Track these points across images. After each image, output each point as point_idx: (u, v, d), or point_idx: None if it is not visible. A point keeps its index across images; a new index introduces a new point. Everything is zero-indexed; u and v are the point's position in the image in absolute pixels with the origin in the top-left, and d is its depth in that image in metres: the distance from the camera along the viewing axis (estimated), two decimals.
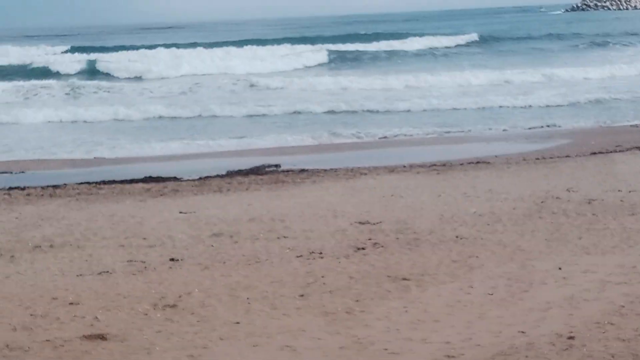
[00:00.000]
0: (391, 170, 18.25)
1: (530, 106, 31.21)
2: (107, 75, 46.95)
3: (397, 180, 17.00)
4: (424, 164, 19.01)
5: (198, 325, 9.01)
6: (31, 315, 9.38)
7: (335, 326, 8.92)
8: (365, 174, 17.83)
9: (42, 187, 16.92)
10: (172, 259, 11.55)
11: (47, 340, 8.57)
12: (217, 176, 18.14)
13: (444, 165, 18.88)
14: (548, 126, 26.21)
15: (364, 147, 22.99)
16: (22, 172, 19.44)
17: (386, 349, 8.20)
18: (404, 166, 18.78)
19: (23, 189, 16.88)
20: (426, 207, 14.34)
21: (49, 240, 12.69)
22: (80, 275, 10.92)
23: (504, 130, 25.83)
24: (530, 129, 25.87)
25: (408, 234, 12.59)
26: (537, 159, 19.41)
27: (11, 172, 19.35)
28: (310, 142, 24.03)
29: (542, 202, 14.45)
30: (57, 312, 9.46)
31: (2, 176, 18.83)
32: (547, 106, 31.25)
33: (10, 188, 16.98)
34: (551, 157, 19.56)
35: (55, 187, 16.97)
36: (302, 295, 9.93)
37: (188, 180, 17.81)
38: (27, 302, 9.83)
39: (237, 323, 9.05)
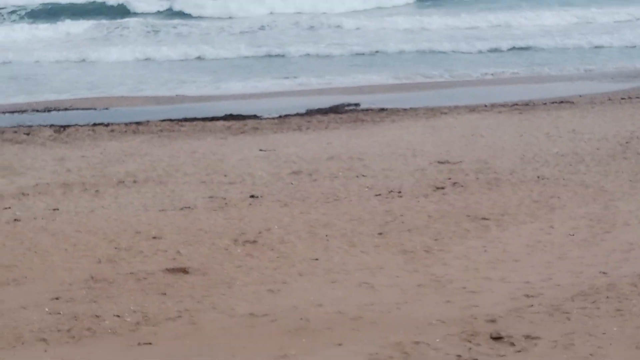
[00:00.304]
0: (472, 109, 18.05)
1: (615, 45, 30.40)
2: (187, 15, 47.12)
3: (478, 119, 16.82)
4: (506, 104, 18.75)
5: (277, 261, 9.12)
6: (115, 248, 9.61)
7: (414, 264, 8.94)
8: (446, 113, 17.68)
9: (126, 124, 17.19)
10: (252, 196, 11.67)
11: (130, 273, 8.77)
12: (297, 114, 18.19)
13: (527, 104, 18.60)
14: (634, 66, 25.54)
15: (444, 86, 22.75)
16: (106, 108, 19.76)
17: (464, 288, 8.20)
18: (485, 105, 18.55)
19: (107, 125, 17.18)
20: (507, 147, 14.18)
21: (133, 175, 12.92)
22: (163, 210, 11.11)
23: (588, 69, 25.25)
24: (615, 68, 25.25)
25: (488, 174, 12.49)
26: (623, 98, 18.97)
27: (95, 109, 19.68)
28: (390, 82, 23.86)
29: (626, 142, 14.16)
30: (140, 245, 9.67)
31: (87, 112, 19.17)
32: (633, 46, 30.40)
33: (95, 124, 17.29)
34: (637, 97, 19.09)
35: (138, 123, 17.23)
36: (380, 234, 9.96)
37: (268, 118, 17.90)
38: (111, 235, 10.06)
39: (316, 259, 9.13)
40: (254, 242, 9.73)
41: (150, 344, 7.10)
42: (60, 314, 7.75)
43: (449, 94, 21.09)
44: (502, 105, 18.50)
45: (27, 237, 10.04)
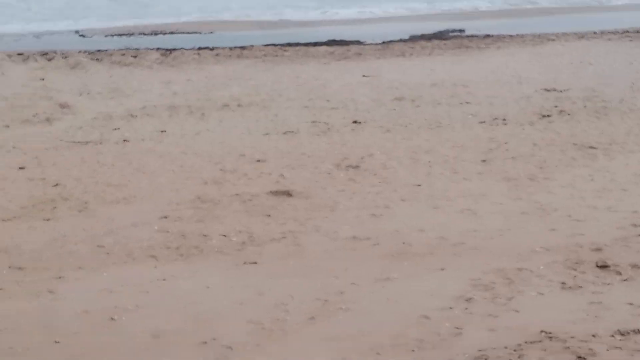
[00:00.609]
0: (581, 36, 17.60)
1: None
2: None
3: (587, 46, 16.40)
4: (616, 31, 18.20)
5: (379, 186, 9.14)
6: (220, 170, 9.77)
7: (517, 192, 8.86)
8: (553, 40, 17.28)
9: (230, 48, 17.32)
10: (354, 122, 11.69)
11: (235, 195, 8.92)
12: (400, 40, 18.03)
13: (638, 32, 18.02)
14: None
15: (552, 12, 22.19)
16: (211, 32, 19.92)
17: (569, 216, 8.10)
18: (595, 32, 18.05)
19: (212, 49, 17.34)
20: (616, 75, 13.81)
21: (237, 99, 13.05)
22: (267, 134, 11.23)
23: None
24: None
25: (596, 102, 12.21)
26: None
27: (200, 33, 19.86)
28: (496, 7, 23.38)
29: None
30: (244, 168, 9.81)
31: (192, 36, 19.38)
32: None
33: (200, 48, 17.48)
34: None
35: (242, 48, 17.34)
36: (484, 161, 9.88)
37: (371, 44, 17.79)
38: (216, 158, 10.23)
39: (418, 185, 9.13)
40: (357, 167, 9.77)
41: (255, 263, 7.25)
42: (168, 232, 7.96)
43: (556, 20, 20.58)
44: (612, 33, 17.98)
45: (135, 158, 10.29)
